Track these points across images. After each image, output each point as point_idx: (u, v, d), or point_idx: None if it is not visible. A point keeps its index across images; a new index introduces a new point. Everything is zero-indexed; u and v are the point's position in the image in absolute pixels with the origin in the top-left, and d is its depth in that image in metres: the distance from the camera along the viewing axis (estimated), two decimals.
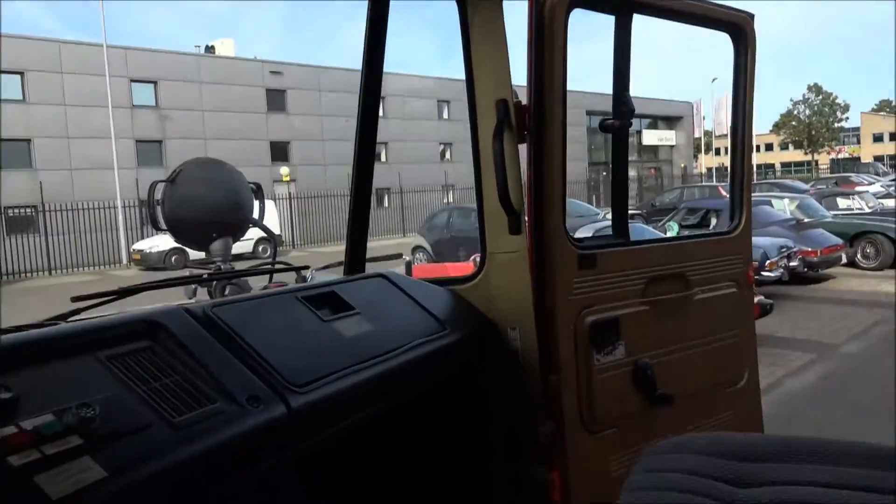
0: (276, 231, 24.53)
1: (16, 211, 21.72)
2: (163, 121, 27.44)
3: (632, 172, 30.73)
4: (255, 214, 2.57)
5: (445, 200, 30.83)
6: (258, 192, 2.56)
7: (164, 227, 2.30)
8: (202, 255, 2.46)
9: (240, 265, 2.42)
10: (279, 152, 30.24)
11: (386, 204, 30.58)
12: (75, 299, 1.67)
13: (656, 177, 45.40)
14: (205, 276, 1.99)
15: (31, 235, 21.54)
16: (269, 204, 24.50)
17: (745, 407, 2.75)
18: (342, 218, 27.19)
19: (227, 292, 2.26)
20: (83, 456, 0.97)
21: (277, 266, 2.29)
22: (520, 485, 2.12)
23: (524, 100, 2.17)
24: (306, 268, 2.21)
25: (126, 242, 23.24)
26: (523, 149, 2.18)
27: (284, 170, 28.90)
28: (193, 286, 2.30)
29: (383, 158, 31.61)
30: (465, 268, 10.21)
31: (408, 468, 1.81)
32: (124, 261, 23.18)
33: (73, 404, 1.02)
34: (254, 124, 29.32)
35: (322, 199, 26.91)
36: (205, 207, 2.31)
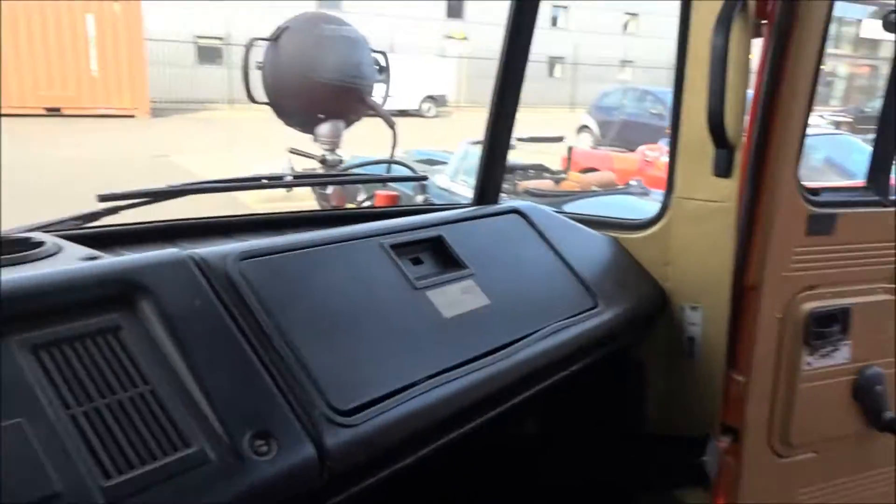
0: (443, 91, 24.07)
1: (204, 40, 22.66)
2: None
3: (841, 68, 26.68)
4: (380, 93, 2.02)
5: (621, 78, 28.59)
6: (384, 67, 1.99)
7: (262, 98, 1.82)
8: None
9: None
10: (455, 8, 29.02)
11: (557, 74, 28.95)
12: (103, 198, 1.25)
13: (870, 76, 39.29)
14: (287, 177, 1.50)
15: (217, 66, 22.51)
16: (439, 61, 24.11)
17: None
18: None
19: (329, 190, 1.78)
20: None
21: (392, 174, 1.74)
22: None
23: None
24: (425, 178, 1.67)
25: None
26: (755, 47, 1.46)
27: (458, 27, 27.85)
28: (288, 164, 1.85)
29: (560, 23, 29.57)
30: (631, 161, 9.22)
31: (519, 493, 1.31)
32: None
33: None
34: None
35: (494, 63, 25.81)
36: (312, 79, 1.79)
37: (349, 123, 1.94)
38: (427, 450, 1.01)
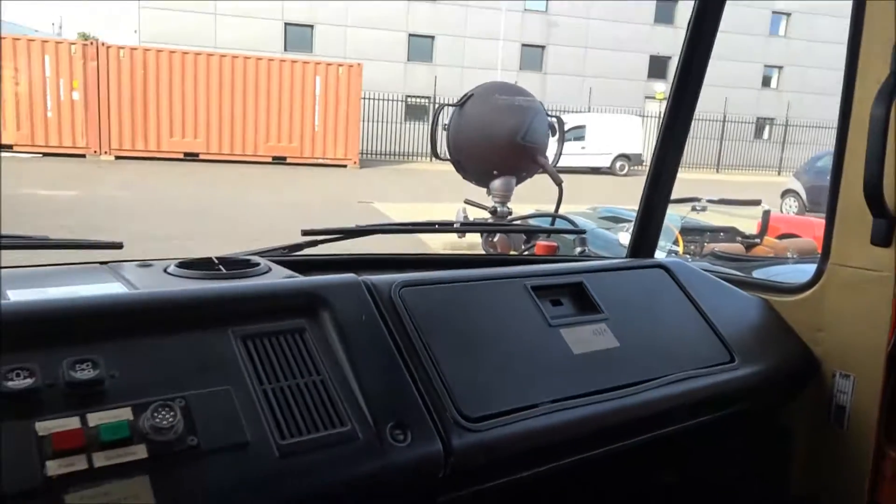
0: (638, 150, 23.76)
1: (414, 100, 24.49)
2: (549, 27, 27.87)
3: None
4: (552, 153, 2.20)
5: None
6: (558, 126, 2.18)
7: (445, 155, 2.08)
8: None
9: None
10: (657, 67, 28.75)
11: (766, 136, 27.37)
12: (305, 233, 1.54)
13: None
14: (457, 225, 1.72)
15: (423, 123, 24.21)
16: (634, 120, 23.89)
17: None
18: (713, 146, 25.20)
19: (496, 238, 1.98)
20: (140, 476, 0.78)
21: (556, 226, 1.91)
22: None
23: None
24: (583, 232, 1.81)
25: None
26: None
27: (660, 87, 27.48)
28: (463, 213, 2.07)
29: (773, 84, 28.04)
30: None
31: None
32: None
33: (155, 401, 0.83)
34: (638, 35, 28.15)
35: (694, 123, 25.08)
36: (486, 139, 2.02)
37: (520, 180, 2.13)
38: (542, 469, 1.13)
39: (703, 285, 1.57)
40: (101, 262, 1.31)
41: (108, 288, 1.13)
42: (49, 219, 9.86)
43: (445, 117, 2.10)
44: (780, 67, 28.14)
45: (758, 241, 7.05)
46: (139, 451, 0.80)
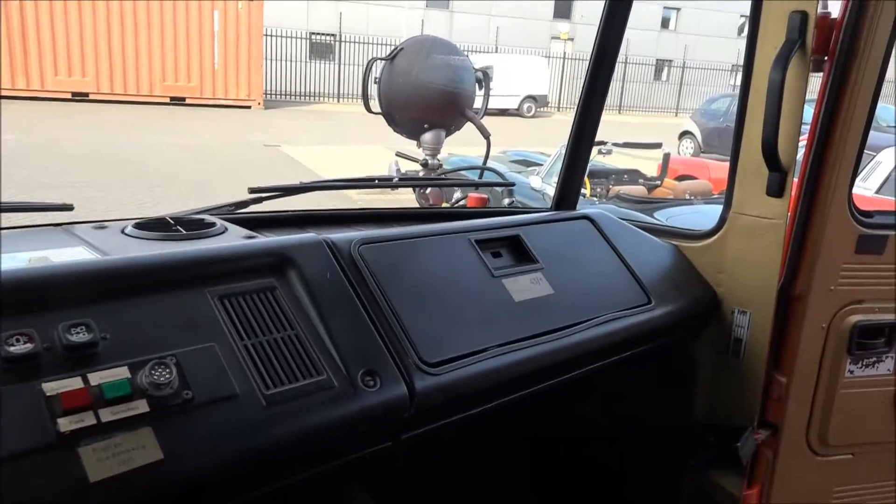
0: (544, 91, 24.12)
1: (318, 38, 23.73)
2: None
3: None
4: (479, 104, 2.30)
5: (731, 83, 27.68)
6: (484, 79, 2.27)
7: (376, 109, 2.13)
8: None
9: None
10: (563, 8, 28.97)
11: (664, 77, 28.35)
12: (252, 190, 1.58)
13: None
14: (395, 180, 1.80)
15: (328, 62, 23.55)
16: (540, 61, 24.15)
17: None
18: (615, 88, 25.86)
19: (429, 190, 2.07)
20: (143, 428, 0.85)
21: (484, 179, 2.02)
22: (707, 497, 1.77)
23: (835, 11, 1.56)
24: (512, 185, 1.92)
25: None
26: (815, 81, 1.61)
27: (564, 27, 27.79)
28: (395, 165, 2.15)
29: (671, 26, 28.90)
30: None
31: (574, 469, 1.55)
32: None
33: (151, 359, 0.89)
34: None
35: None
36: (419, 94, 2.09)
37: (449, 132, 2.22)
38: (492, 405, 1.27)
39: (623, 234, 1.73)
40: (55, 224, 1.32)
41: (76, 252, 1.16)
42: None
43: (376, 71, 2.15)
44: (678, 9, 28.97)
45: (658, 182, 7.46)
46: (140, 406, 0.86)
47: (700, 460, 1.77)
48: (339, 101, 23.59)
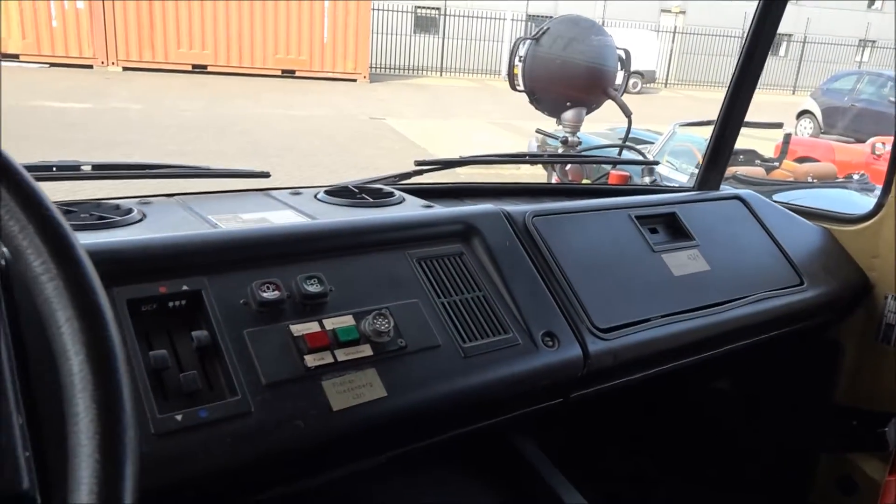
0: (652, 67, 23.37)
1: (423, 11, 23.90)
2: None
3: None
4: (619, 81, 2.33)
5: (857, 60, 25.87)
6: (625, 59, 2.30)
7: (521, 87, 2.21)
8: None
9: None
10: None
11: (781, 52, 26.82)
12: (417, 163, 1.70)
13: None
14: (545, 157, 1.88)
15: (432, 36, 23.72)
16: (649, 35, 23.38)
17: None
18: (728, 63, 24.77)
19: (568, 167, 2.14)
20: (369, 368, 0.98)
21: (625, 156, 2.07)
22: (846, 482, 1.78)
23: None
24: (656, 163, 1.95)
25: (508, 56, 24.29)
26: None
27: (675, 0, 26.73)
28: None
29: None
30: (857, 153, 8.57)
31: (711, 441, 1.61)
32: (503, 73, 24.40)
33: (371, 310, 1.02)
34: None
35: (711, 39, 24.57)
36: (563, 72, 2.15)
37: (590, 111, 2.27)
38: (651, 371, 1.35)
39: (774, 215, 1.74)
40: (256, 190, 1.48)
41: (287, 215, 1.31)
42: (64, 132, 9.92)
43: (521, 50, 2.22)
44: None
45: (777, 164, 7.16)
46: (365, 350, 0.99)
47: (840, 442, 1.78)
48: (441, 74, 23.74)
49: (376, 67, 22.13)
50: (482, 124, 13.62)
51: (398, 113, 14.52)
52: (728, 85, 1.86)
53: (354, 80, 19.34)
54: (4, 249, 0.86)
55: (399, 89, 19.38)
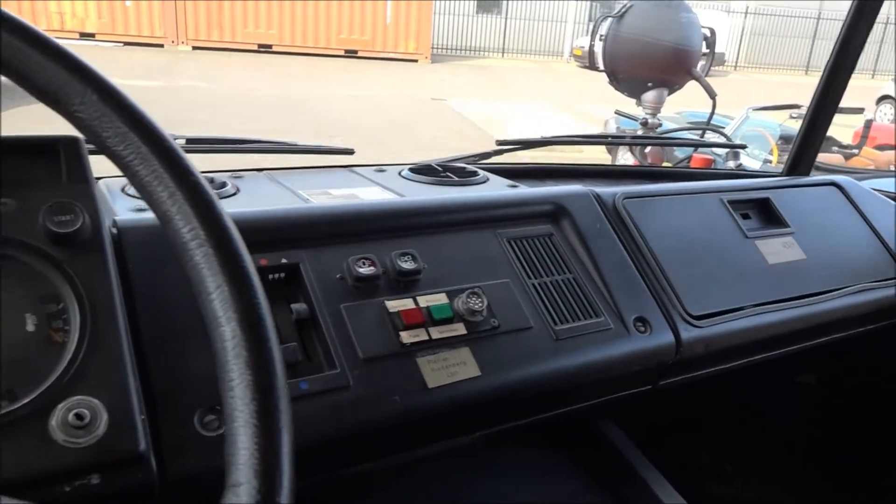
0: (721, 49, 22.59)
1: None
2: None
3: None
4: (702, 64, 2.25)
5: None
6: (710, 38, 2.22)
7: (601, 67, 2.16)
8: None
9: None
10: None
11: None
12: (499, 143, 1.68)
13: None
14: (627, 139, 1.83)
15: (493, 16, 23.48)
16: (719, 16, 22.57)
17: None
18: (801, 46, 23.78)
19: (648, 149, 2.08)
20: (463, 347, 0.97)
21: (708, 139, 2.00)
22: None
23: None
24: (743, 146, 1.88)
25: (571, 37, 23.86)
26: None
27: None
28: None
29: None
30: None
31: (792, 437, 1.55)
32: (566, 55, 24.00)
33: (465, 289, 1.01)
34: None
35: (784, 20, 23.57)
36: (647, 52, 2.09)
37: (671, 92, 2.20)
38: (742, 361, 1.30)
39: (872, 202, 1.66)
40: (342, 166, 1.49)
41: (374, 191, 1.31)
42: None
43: (603, 29, 2.16)
44: None
45: (856, 151, 6.84)
46: (459, 329, 0.99)
47: None
48: (503, 55, 23.51)
49: (438, 48, 22.04)
50: (544, 106, 13.44)
51: (459, 94, 14.44)
52: (823, 68, 1.78)
53: (416, 61, 19.34)
54: (116, 218, 0.89)
55: (460, 70, 19.28)
